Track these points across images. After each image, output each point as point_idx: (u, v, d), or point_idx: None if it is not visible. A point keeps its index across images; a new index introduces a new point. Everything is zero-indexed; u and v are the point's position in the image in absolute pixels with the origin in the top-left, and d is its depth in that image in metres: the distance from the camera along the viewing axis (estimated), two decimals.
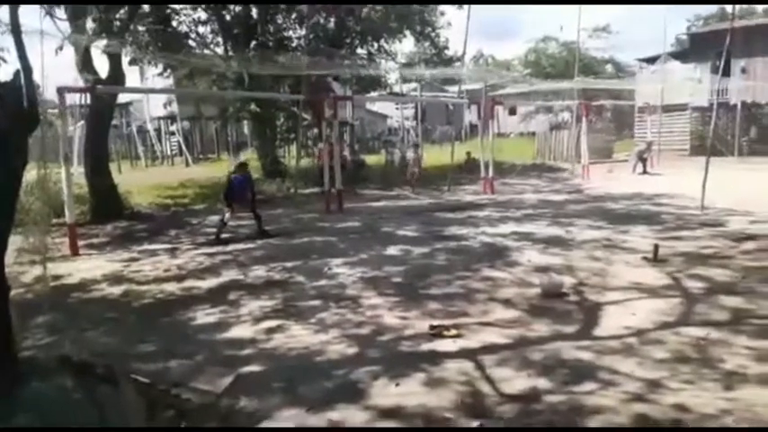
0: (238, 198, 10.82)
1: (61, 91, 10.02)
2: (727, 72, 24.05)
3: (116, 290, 7.33)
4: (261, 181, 18.45)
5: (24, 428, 3.84)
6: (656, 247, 8.05)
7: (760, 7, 47.17)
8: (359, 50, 22.03)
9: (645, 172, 20.65)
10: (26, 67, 4.84)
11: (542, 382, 4.29)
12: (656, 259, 7.84)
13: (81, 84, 12.68)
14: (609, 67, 45.52)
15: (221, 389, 3.99)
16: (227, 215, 10.55)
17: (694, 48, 29.86)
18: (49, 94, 12.42)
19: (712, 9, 48.97)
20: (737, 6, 14.69)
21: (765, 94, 25.78)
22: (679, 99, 26.95)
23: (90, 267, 8.58)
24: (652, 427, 3.41)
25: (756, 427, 3.38)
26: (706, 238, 9.20)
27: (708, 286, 6.62)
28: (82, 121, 15.34)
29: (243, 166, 11.40)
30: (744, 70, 26.50)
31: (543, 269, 7.51)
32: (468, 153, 23.21)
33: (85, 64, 12.72)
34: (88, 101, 12.66)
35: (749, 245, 8.64)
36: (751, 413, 3.73)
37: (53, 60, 15.33)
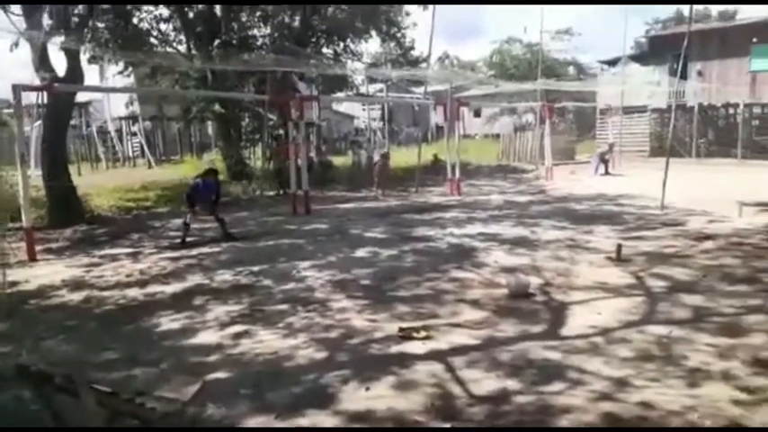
0: (201, 201, 10.58)
1: (16, 89, 9.64)
2: (684, 75, 24.73)
3: (76, 296, 7.11)
4: (226, 183, 18.21)
5: (24, 428, 3.69)
6: (620, 246, 8.20)
7: (715, 11, 48.67)
8: (325, 50, 21.92)
9: (607, 173, 21.08)
10: None
11: (511, 383, 4.31)
12: (619, 259, 7.99)
13: (37, 82, 12.27)
14: (571, 69, 46.41)
15: (187, 397, 3.89)
16: (189, 216, 10.33)
17: (653, 50, 30.64)
18: (4, 92, 12.01)
19: (670, 12, 50.36)
20: (694, 9, 15.09)
21: (721, 97, 26.60)
22: (639, 101, 27.65)
23: (48, 273, 8.31)
24: (653, 427, 3.45)
25: (757, 427, 3.45)
26: (667, 238, 9.43)
27: (670, 285, 6.78)
28: (39, 121, 14.86)
29: (212, 173, 11.10)
30: (700, 73, 27.30)
31: (510, 270, 7.58)
32: (435, 155, 23.32)
33: (42, 61, 12.31)
34: (45, 100, 12.25)
35: (708, 244, 8.88)
36: (714, 408, 3.82)
37: (7, 57, 14.88)
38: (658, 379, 4.32)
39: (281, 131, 20.49)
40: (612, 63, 31.11)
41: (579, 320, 5.66)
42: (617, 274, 7.35)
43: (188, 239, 10.21)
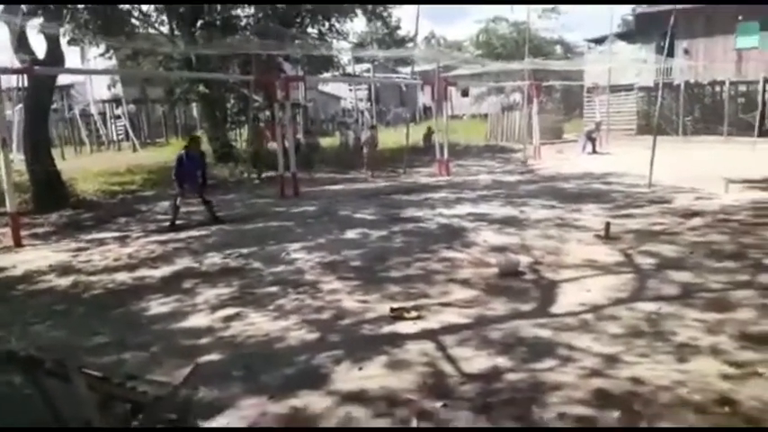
0: (189, 179, 10.33)
1: None
2: (671, 53, 24.73)
3: (64, 281, 7.04)
4: (212, 165, 18.03)
5: (24, 428, 3.66)
6: (608, 224, 8.25)
7: None
8: (310, 30, 21.63)
9: (594, 152, 21.13)
10: None
11: (502, 361, 4.34)
12: (607, 237, 8.04)
13: (17, 65, 12.03)
14: (558, 48, 46.28)
15: (179, 380, 3.87)
16: (178, 199, 10.21)
17: (640, 28, 30.55)
18: None
19: None
20: None
21: (707, 75, 26.67)
22: (626, 79, 27.66)
23: (35, 258, 8.22)
24: (653, 428, 3.48)
25: (757, 427, 3.49)
26: (655, 215, 9.50)
27: (658, 262, 6.83)
28: (20, 105, 14.59)
29: (195, 141, 10.94)
30: (686, 51, 27.31)
31: (499, 249, 7.61)
32: (429, 128, 22.95)
33: (21, 43, 12.05)
34: (26, 83, 12.01)
35: (695, 221, 8.96)
36: (703, 383, 3.87)
37: None
38: (648, 355, 4.36)
39: (262, 113, 20.34)
40: (599, 41, 31.05)
41: (569, 298, 5.70)
42: (605, 251, 7.39)
43: (177, 222, 10.12)
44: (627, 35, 31.63)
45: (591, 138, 21.60)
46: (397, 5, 24.70)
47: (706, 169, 13.97)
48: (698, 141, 23.62)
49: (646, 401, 3.69)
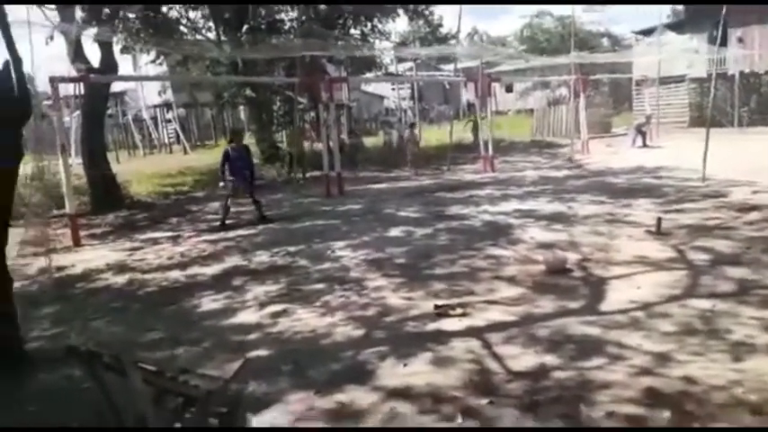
0: (238, 175, 10.30)
1: (54, 81, 9.89)
2: (724, 42, 23.82)
3: (120, 279, 7.32)
4: (259, 166, 18.39)
5: (24, 428, 3.85)
6: (659, 219, 8.03)
7: None
8: (352, 31, 21.80)
9: (645, 145, 20.56)
10: (15, 58, 4.78)
11: (550, 359, 4.28)
12: (659, 232, 7.82)
13: (74, 74, 12.55)
14: (605, 41, 45.22)
15: (229, 374, 3.98)
16: (230, 199, 10.43)
17: (690, 18, 29.57)
18: (42, 85, 12.29)
19: None
20: None
21: (763, 64, 25.58)
22: (676, 71, 26.79)
23: (93, 257, 8.57)
24: (653, 427, 3.41)
25: (757, 427, 3.38)
26: (709, 210, 9.18)
27: (712, 258, 6.60)
28: (77, 112, 15.21)
29: (238, 134, 11.11)
30: (740, 40, 26.27)
31: (547, 246, 7.50)
32: (474, 120, 22.09)
33: (77, 53, 12.58)
34: (82, 91, 12.54)
35: (753, 215, 8.61)
36: (761, 382, 3.73)
37: (44, 51, 15.20)
38: (701, 353, 4.23)
39: (307, 115, 20.55)
40: (648, 33, 30.13)
41: (618, 295, 5.57)
42: (657, 247, 7.20)
43: (227, 222, 10.36)
44: (677, 25, 30.62)
45: (641, 131, 21.01)
46: (439, 5, 24.66)
47: (763, 162, 13.41)
48: (754, 133, 22.64)
49: (699, 401, 3.58)
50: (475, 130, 21.45)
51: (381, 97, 45.01)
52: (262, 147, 19.97)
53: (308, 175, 16.82)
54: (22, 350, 4.86)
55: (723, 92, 25.34)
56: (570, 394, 3.76)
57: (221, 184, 10.57)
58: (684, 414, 3.46)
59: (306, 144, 18.09)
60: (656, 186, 11.94)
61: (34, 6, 11.88)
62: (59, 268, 7.84)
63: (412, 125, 19.67)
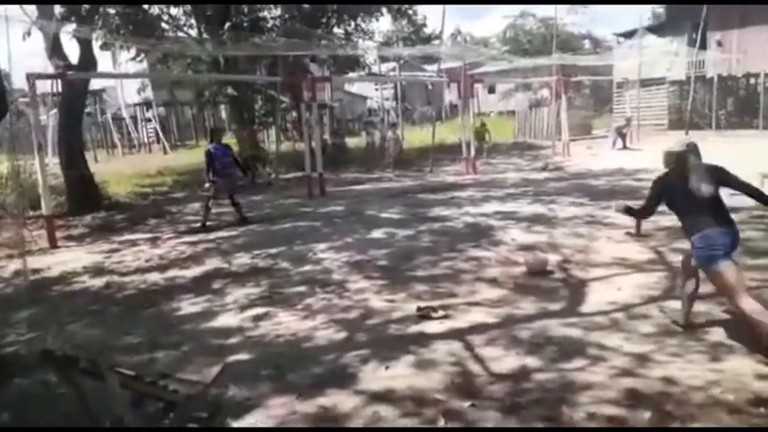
0: (225, 176, 10.14)
1: (31, 78, 9.69)
2: (703, 45, 24.20)
3: (98, 281, 7.21)
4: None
5: (25, 428, 3.77)
6: (639, 221, 8.10)
7: None
8: (336, 30, 21.72)
9: (625, 147, 20.79)
10: None
11: (531, 361, 4.30)
12: (639, 234, 7.90)
13: (51, 70, 12.33)
14: (586, 43, 45.67)
15: (209, 378, 3.93)
16: (211, 201, 10.31)
17: (671, 21, 29.97)
18: (18, 82, 12.07)
19: None
20: None
21: (741, 67, 26.01)
22: (656, 73, 27.13)
23: (70, 259, 8.43)
24: (653, 427, 3.43)
25: (757, 427, 3.42)
26: None
27: None
28: (54, 110, 14.97)
29: (218, 132, 10.84)
30: (719, 43, 26.67)
31: (528, 247, 7.54)
32: (483, 123, 21.68)
33: (55, 49, 12.36)
34: (59, 88, 12.31)
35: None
36: (738, 383, 3.77)
37: (20, 47, 14.93)
38: (680, 354, 4.28)
39: (289, 114, 20.33)
40: (629, 35, 30.47)
41: (599, 297, 5.62)
42: (637, 249, 7.28)
43: (208, 223, 10.25)
44: (657, 28, 30.99)
45: (621, 133, 21.25)
46: (423, 5, 24.68)
47: (741, 164, 13.55)
48: (732, 135, 23.00)
49: (678, 402, 3.62)
50: (481, 136, 20.50)
51: (364, 97, 44.96)
52: (243, 146, 19.81)
53: (290, 175, 16.74)
54: None
55: (702, 95, 25.73)
56: (552, 396, 3.78)
57: (206, 185, 10.38)
58: (664, 414, 3.49)
59: (273, 144, 17.89)
60: (636, 188, 12.04)
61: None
62: (35, 270, 7.70)
63: (393, 125, 19.67)
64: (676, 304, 5.25)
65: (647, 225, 8.15)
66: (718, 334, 4.58)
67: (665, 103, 28.11)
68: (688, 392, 3.71)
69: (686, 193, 4.54)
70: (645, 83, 26.33)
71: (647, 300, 5.47)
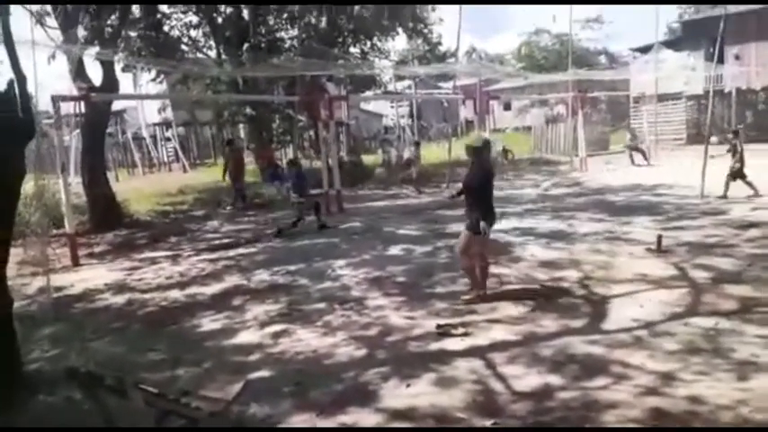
0: (307, 194, 11.69)
1: (56, 100, 9.92)
2: (721, 59, 23.96)
3: (120, 299, 7.29)
4: (259, 184, 18.41)
5: (24, 429, 3.80)
6: (660, 237, 8.02)
7: None
8: (352, 49, 21.96)
9: (647, 162, 20.32)
10: (20, 77, 4.80)
11: (554, 379, 4.26)
12: (659, 250, 7.81)
13: (75, 92, 12.58)
14: (602, 58, 45.58)
15: (231, 396, 3.95)
16: (302, 211, 11.39)
17: (687, 35, 29.84)
18: (43, 104, 12.33)
19: None
20: None
21: (760, 80, 25.77)
22: (674, 88, 26.95)
23: (92, 277, 8.53)
24: (652, 428, 3.39)
25: (757, 427, 3.36)
26: (709, 227, 9.18)
27: (714, 275, 6.59)
28: (77, 131, 15.24)
29: (295, 163, 12.71)
30: (737, 56, 26.47)
31: (547, 264, 7.49)
32: (507, 150, 23.08)
33: (79, 72, 12.63)
34: (82, 109, 12.55)
35: (753, 232, 8.61)
36: (767, 402, 3.70)
37: (45, 70, 15.25)
38: (706, 372, 4.21)
39: (303, 132, 20.40)
40: (645, 50, 30.37)
41: (621, 314, 5.56)
42: (658, 265, 7.19)
43: (226, 241, 10.33)
44: (673, 43, 30.89)
45: (637, 148, 20.96)
46: (438, 21, 24.85)
47: (761, 178, 13.44)
48: (751, 149, 22.61)
49: (705, 421, 3.56)
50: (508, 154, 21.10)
51: (380, 115, 45.20)
52: (261, 165, 20.00)
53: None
54: (21, 371, 4.81)
55: (720, 109, 25.49)
56: (575, 415, 3.74)
57: (296, 202, 11.65)
58: None
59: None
60: (656, 204, 11.96)
61: (38, 25, 11.98)
62: (58, 288, 7.78)
63: (417, 144, 19.75)
64: (701, 321, 5.19)
65: (667, 241, 8.07)
66: (744, 352, 4.50)
67: (683, 117, 27.88)
68: (716, 411, 3.65)
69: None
70: (662, 98, 26.15)
71: (671, 316, 5.39)
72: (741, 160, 12.00)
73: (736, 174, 11.84)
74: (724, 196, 11.55)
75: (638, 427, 3.41)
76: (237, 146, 18.16)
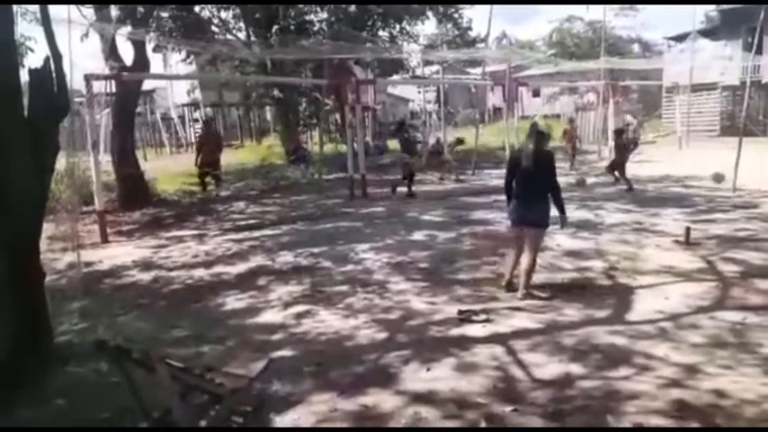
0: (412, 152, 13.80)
1: (89, 78, 10.07)
2: (759, 49, 23.29)
3: (146, 276, 7.42)
4: (284, 167, 18.52)
5: (24, 428, 3.91)
6: (688, 229, 7.88)
7: None
8: (381, 33, 21.84)
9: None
10: (56, 54, 4.88)
11: (575, 368, 4.24)
12: (688, 242, 7.68)
13: (107, 71, 12.74)
14: (636, 47, 44.59)
15: (254, 373, 4.00)
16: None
17: (725, 24, 29.02)
18: (76, 82, 12.49)
19: None
20: None
21: None
22: (708, 78, 26.27)
23: (120, 254, 8.70)
24: (658, 427, 3.35)
25: (757, 427, 3.30)
26: (739, 221, 8.99)
27: (743, 270, 6.47)
28: (107, 109, 15.45)
29: (403, 124, 14.47)
30: None
31: (573, 253, 7.42)
32: (572, 120, 20.50)
33: (111, 51, 12.79)
34: (113, 89, 12.72)
35: None
36: None
37: (79, 49, 15.43)
38: (732, 366, 4.16)
39: (328, 115, 20.34)
40: (680, 39, 29.64)
41: (646, 305, 5.49)
42: (686, 258, 7.08)
43: (250, 222, 10.41)
44: (710, 32, 30.05)
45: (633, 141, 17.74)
46: (469, 6, 24.52)
47: None
48: None
49: (729, 415, 3.51)
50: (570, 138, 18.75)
51: (407, 100, 44.96)
52: (287, 147, 20.10)
53: (332, 176, 16.91)
54: (51, 343, 4.95)
55: (756, 100, 24.82)
56: (597, 404, 3.72)
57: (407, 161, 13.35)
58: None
59: (316, 146, 18.01)
60: (685, 195, 11.75)
61: (73, 4, 12.13)
62: (87, 264, 7.95)
63: (459, 140, 19.02)
64: (728, 315, 5.11)
65: (695, 233, 7.93)
66: None
67: (717, 108, 27.23)
68: (740, 406, 3.60)
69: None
70: (696, 88, 25.55)
71: (697, 309, 5.32)
72: None
73: None
74: None
75: (643, 427, 3.38)
76: (214, 129, 17.73)
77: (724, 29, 28.54)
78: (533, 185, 5.93)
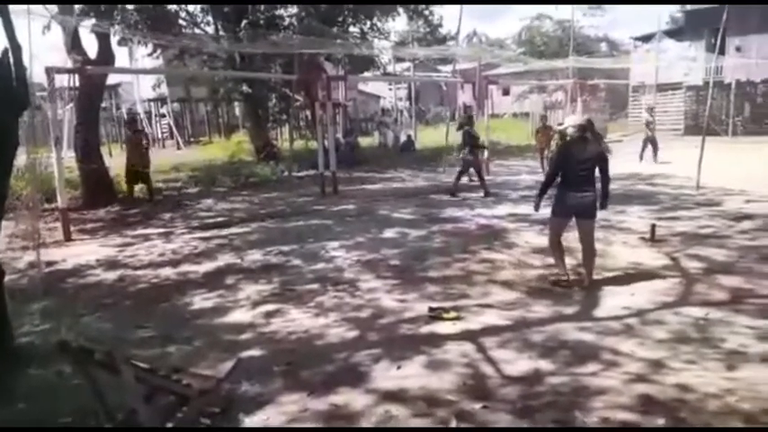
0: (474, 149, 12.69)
1: (50, 72, 9.76)
2: (722, 50, 23.90)
3: (111, 275, 7.25)
4: (253, 164, 18.33)
5: (24, 428, 3.79)
6: (654, 227, 8.04)
7: None
8: (351, 29, 21.72)
9: (655, 153, 17.55)
10: (15, 46, 4.72)
11: (544, 364, 4.28)
12: (653, 239, 7.83)
13: (70, 65, 12.41)
14: (603, 46, 45.37)
15: (222, 374, 3.95)
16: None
17: (689, 25, 29.70)
18: (37, 76, 12.14)
19: None
20: None
21: (760, 72, 25.73)
22: (673, 78, 26.92)
23: (83, 252, 8.48)
24: (653, 428, 3.41)
25: (757, 427, 3.39)
26: (703, 218, 9.21)
27: (706, 266, 6.63)
28: (71, 104, 15.05)
29: (471, 119, 13.44)
30: (738, 48, 26.40)
31: (542, 250, 7.49)
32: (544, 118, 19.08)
33: (74, 44, 12.44)
34: (77, 82, 12.38)
35: (746, 224, 8.66)
36: (753, 392, 3.74)
37: (40, 41, 15.02)
38: (695, 361, 4.24)
39: (299, 112, 20.08)
40: (646, 39, 30.28)
41: (613, 301, 5.58)
42: (651, 254, 7.22)
43: (218, 220, 10.27)
44: (675, 33, 30.75)
45: (652, 141, 17.76)
46: (440, 5, 24.57)
47: (757, 171, 13.49)
48: (748, 142, 22.77)
49: (693, 409, 3.58)
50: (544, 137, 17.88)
51: (378, 97, 44.93)
52: (256, 144, 19.90)
53: (302, 173, 16.79)
54: (12, 344, 4.80)
55: (719, 100, 25.49)
56: (565, 399, 3.76)
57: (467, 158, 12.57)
58: (679, 421, 3.46)
59: (286, 142, 17.89)
60: (651, 193, 11.98)
61: None
62: (49, 263, 7.74)
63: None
64: (691, 311, 5.22)
65: (661, 231, 8.09)
66: (733, 342, 4.53)
67: (681, 108, 27.88)
68: (704, 400, 3.68)
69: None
70: (662, 87, 26.12)
71: (662, 305, 5.42)
72: None
73: None
74: None
75: (637, 428, 3.43)
76: (140, 128, 16.84)
77: (688, 30, 29.22)
78: (586, 177, 6.19)
